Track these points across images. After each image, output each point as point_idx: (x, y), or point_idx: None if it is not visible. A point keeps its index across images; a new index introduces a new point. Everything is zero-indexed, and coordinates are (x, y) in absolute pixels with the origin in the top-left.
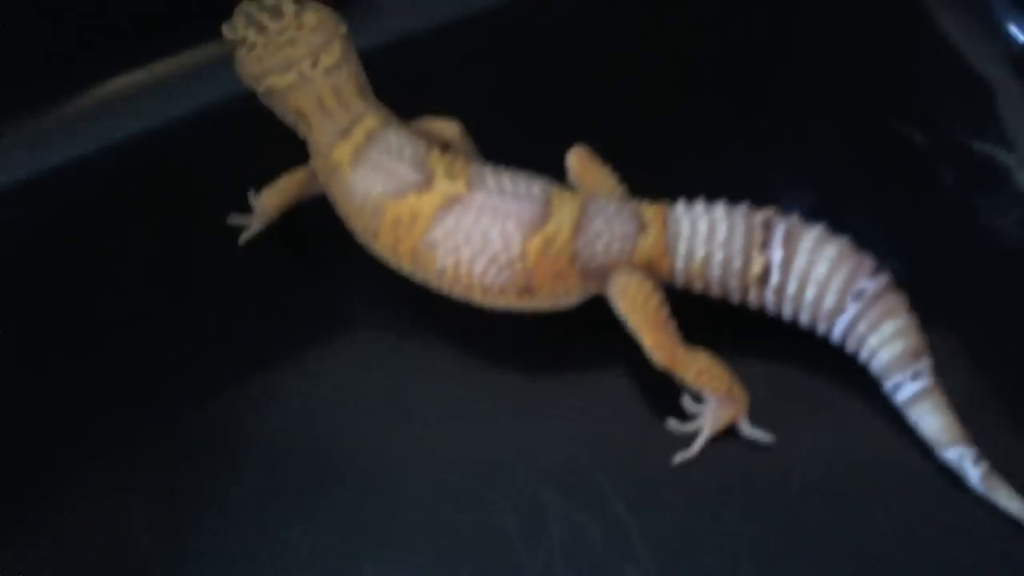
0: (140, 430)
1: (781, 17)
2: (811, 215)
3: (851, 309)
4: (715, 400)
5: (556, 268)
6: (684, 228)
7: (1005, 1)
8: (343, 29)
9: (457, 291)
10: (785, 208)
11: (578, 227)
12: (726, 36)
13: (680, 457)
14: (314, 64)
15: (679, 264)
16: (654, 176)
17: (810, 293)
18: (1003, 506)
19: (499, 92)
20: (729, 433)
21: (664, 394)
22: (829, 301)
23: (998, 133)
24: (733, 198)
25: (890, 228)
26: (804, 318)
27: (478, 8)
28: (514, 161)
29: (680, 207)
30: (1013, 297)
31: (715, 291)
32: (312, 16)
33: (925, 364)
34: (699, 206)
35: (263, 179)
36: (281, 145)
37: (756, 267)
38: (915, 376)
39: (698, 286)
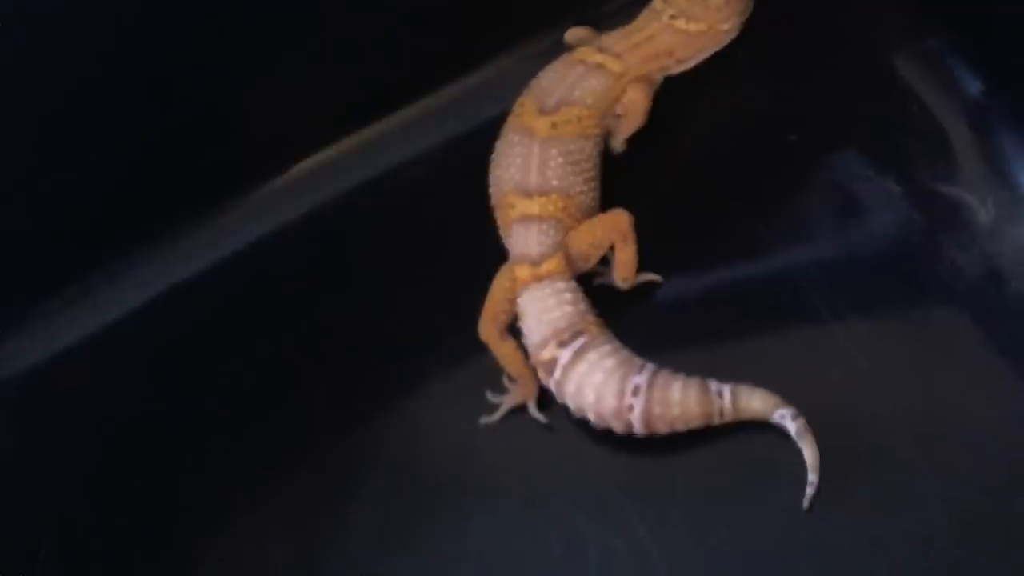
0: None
1: (767, 87)
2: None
3: (638, 404)
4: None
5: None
6: (536, 305)
7: (959, 57)
8: (723, 34)
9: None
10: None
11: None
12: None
13: (484, 420)
14: (673, 16)
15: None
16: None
17: (590, 395)
18: (806, 454)
19: None
20: (721, 466)
21: (676, 440)
22: (610, 402)
23: (961, 178)
24: (728, 253)
25: (875, 265)
26: (592, 417)
27: None
28: None
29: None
30: (974, 319)
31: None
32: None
33: (726, 386)
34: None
35: None
36: None
37: (546, 355)
38: (720, 392)
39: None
